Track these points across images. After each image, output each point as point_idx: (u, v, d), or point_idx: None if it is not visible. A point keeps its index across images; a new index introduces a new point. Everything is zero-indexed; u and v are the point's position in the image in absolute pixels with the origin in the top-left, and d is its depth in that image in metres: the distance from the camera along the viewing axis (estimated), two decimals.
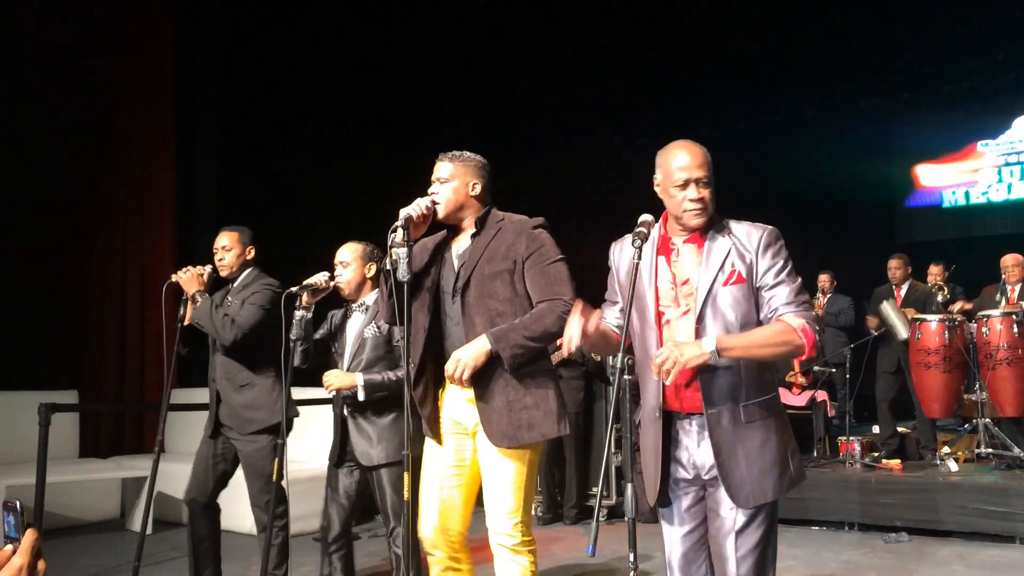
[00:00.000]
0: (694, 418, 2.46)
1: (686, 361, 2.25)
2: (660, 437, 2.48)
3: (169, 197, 8.01)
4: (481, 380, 2.88)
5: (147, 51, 7.90)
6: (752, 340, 2.34)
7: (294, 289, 3.58)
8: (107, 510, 6.76)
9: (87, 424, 7.14)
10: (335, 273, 3.82)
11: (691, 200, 2.42)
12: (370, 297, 3.82)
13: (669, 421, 2.50)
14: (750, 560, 2.38)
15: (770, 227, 2.48)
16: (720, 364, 2.32)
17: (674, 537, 2.54)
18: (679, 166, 2.44)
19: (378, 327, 3.75)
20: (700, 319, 2.42)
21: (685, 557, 2.52)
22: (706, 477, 2.46)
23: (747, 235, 2.45)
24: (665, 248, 2.54)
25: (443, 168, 3.04)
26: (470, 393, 2.92)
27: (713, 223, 2.49)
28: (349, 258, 3.81)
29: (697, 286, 2.44)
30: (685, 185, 2.42)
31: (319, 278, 3.66)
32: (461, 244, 3.06)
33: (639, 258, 2.40)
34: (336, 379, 3.67)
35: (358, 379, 3.64)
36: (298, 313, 3.62)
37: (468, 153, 3.09)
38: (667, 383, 2.34)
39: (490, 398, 2.87)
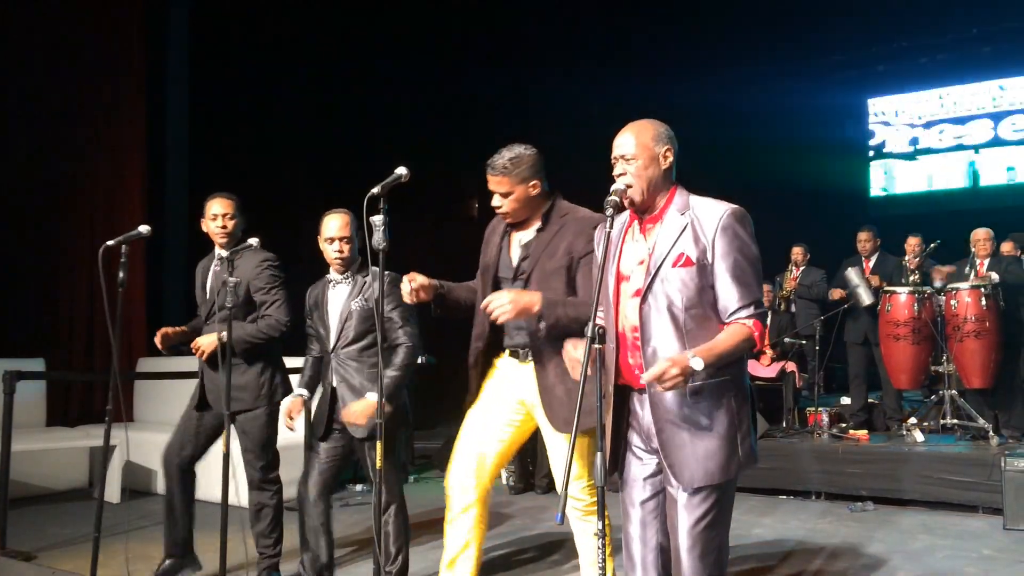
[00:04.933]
0: (644, 393, 2.47)
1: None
2: (611, 409, 2.51)
3: (139, 163, 7.88)
4: (542, 367, 3.05)
5: (116, 12, 7.70)
6: (724, 352, 2.33)
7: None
8: (75, 479, 6.72)
9: (55, 392, 7.05)
10: (334, 248, 3.73)
11: (617, 176, 2.49)
12: (354, 269, 3.80)
13: (627, 394, 2.54)
14: (699, 532, 2.38)
15: (734, 207, 2.45)
16: (670, 351, 2.36)
17: (632, 505, 2.54)
18: (613, 148, 2.53)
19: (364, 299, 3.71)
20: (644, 299, 2.43)
21: (642, 525, 2.52)
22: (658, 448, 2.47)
23: (708, 213, 2.43)
24: (630, 227, 2.57)
25: (498, 183, 3.09)
26: (535, 385, 3.06)
27: (675, 201, 2.49)
28: (350, 232, 3.74)
29: (647, 266, 2.45)
30: (614, 164, 2.52)
31: None
32: (526, 234, 3.18)
33: (611, 226, 2.41)
34: (359, 415, 3.57)
35: (371, 399, 3.56)
36: (232, 279, 3.51)
37: (520, 153, 3.09)
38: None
39: (551, 387, 3.02)
